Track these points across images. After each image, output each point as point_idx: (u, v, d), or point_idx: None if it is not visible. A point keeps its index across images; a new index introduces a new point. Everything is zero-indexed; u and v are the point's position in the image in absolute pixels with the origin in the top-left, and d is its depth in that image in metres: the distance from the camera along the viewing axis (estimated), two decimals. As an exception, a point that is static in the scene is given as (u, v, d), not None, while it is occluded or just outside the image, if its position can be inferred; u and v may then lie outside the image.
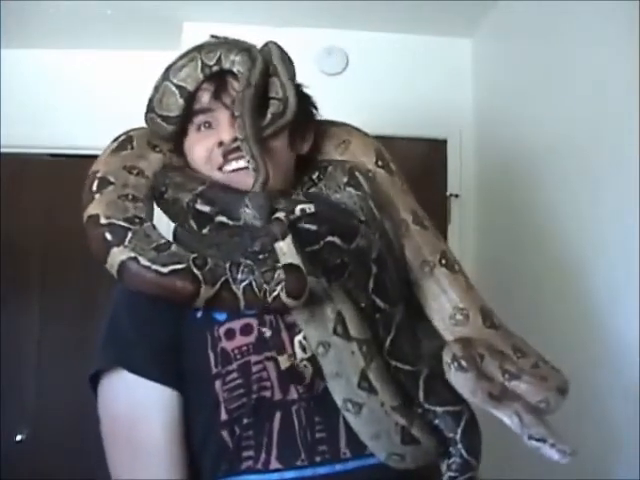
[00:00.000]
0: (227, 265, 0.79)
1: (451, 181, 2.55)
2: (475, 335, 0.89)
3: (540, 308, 1.84)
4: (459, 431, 0.86)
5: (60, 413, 2.38)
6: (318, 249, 0.82)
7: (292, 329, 0.83)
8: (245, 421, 0.83)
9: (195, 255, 0.79)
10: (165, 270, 0.77)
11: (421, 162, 2.61)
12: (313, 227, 0.82)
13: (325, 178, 0.95)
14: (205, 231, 0.86)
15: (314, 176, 0.97)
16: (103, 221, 0.80)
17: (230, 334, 0.84)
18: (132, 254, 0.78)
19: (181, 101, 0.90)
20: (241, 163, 0.86)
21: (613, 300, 1.46)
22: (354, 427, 0.82)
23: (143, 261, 0.78)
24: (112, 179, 0.86)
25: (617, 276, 1.45)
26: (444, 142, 2.56)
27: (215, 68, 0.90)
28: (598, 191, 1.54)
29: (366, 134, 1.02)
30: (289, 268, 0.74)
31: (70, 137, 2.57)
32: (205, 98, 0.90)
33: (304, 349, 0.82)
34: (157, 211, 0.91)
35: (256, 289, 0.78)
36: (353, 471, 0.83)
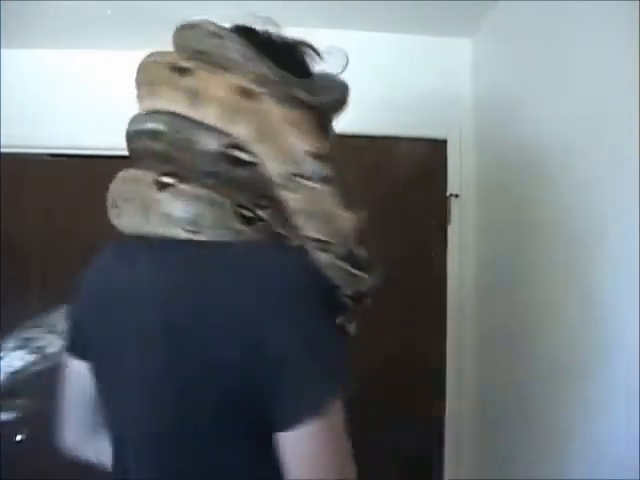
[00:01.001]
0: None
1: (451, 181, 2.55)
2: None
3: (540, 308, 1.84)
4: None
5: (60, 413, 2.38)
6: None
7: None
8: None
9: None
10: None
11: (421, 162, 2.61)
12: None
13: None
14: None
15: None
16: None
17: None
18: None
19: None
20: None
21: (614, 299, 1.46)
22: None
23: None
24: None
25: (617, 276, 1.45)
26: (444, 142, 2.56)
27: None
28: (598, 191, 1.54)
29: None
30: None
31: (70, 137, 2.57)
32: None
33: None
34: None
35: None
36: None
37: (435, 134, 2.56)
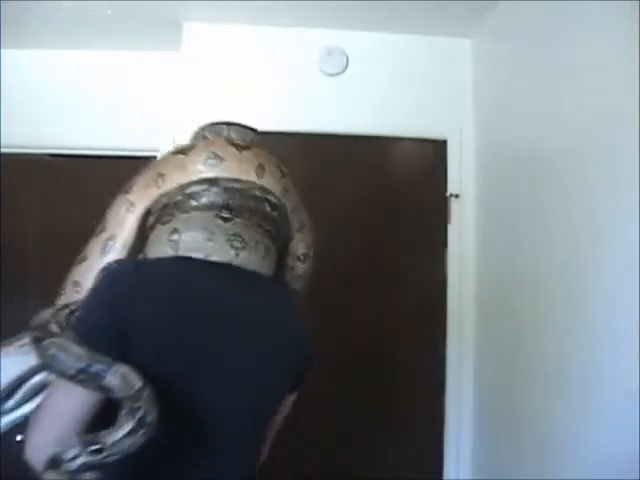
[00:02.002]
0: None
1: (451, 181, 2.55)
2: None
3: (540, 308, 1.84)
4: None
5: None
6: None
7: None
8: None
9: None
10: None
11: (421, 162, 2.62)
12: None
13: None
14: None
15: None
16: None
17: None
18: None
19: None
20: None
21: (613, 300, 1.46)
22: None
23: None
24: None
25: (618, 276, 1.45)
26: (444, 142, 2.56)
27: None
28: (598, 191, 1.54)
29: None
30: None
31: (70, 137, 2.57)
32: None
33: None
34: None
35: None
36: None
37: (435, 134, 2.56)
